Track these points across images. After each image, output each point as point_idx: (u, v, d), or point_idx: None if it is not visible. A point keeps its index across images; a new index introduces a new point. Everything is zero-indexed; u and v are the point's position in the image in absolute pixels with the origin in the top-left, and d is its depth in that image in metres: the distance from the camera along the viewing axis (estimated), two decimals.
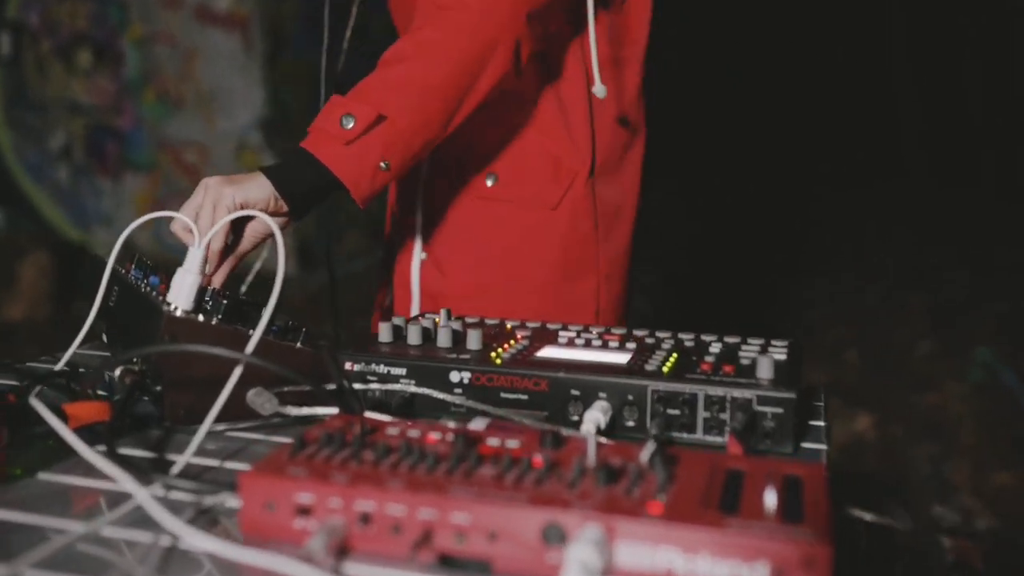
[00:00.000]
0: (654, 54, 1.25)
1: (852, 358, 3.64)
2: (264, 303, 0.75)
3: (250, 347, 0.68)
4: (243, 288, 1.18)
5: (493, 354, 0.77)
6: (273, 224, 0.85)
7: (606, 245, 1.25)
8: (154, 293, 0.83)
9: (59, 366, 0.85)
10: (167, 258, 4.68)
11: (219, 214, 0.92)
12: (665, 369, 0.73)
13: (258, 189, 0.95)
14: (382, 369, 0.77)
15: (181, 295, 0.77)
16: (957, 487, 2.60)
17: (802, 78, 8.75)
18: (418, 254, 1.30)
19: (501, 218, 1.22)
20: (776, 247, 5.52)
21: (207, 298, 0.80)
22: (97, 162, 4.71)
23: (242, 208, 0.93)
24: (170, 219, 0.94)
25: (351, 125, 0.99)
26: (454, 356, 0.77)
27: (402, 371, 0.76)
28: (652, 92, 1.31)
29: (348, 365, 0.79)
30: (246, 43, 4.55)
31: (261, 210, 0.94)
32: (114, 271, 0.93)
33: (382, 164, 0.99)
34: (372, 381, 0.77)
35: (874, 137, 8.53)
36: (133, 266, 0.96)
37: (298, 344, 0.79)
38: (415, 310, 1.29)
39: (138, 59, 4.65)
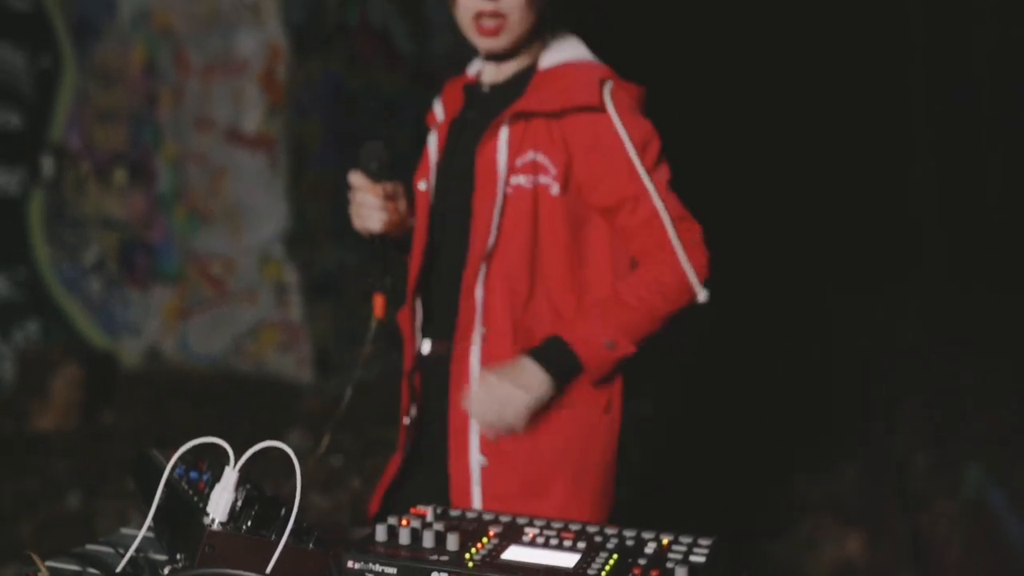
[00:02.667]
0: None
1: (851, 472, 3.75)
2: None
3: (270, 567, 0.85)
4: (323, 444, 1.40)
5: (468, 555, 0.94)
6: (295, 461, 1.01)
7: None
8: (195, 498, 1.00)
9: (120, 567, 1.01)
10: (193, 366, 4.89)
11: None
12: (603, 575, 0.90)
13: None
14: (378, 568, 0.94)
15: (218, 509, 0.95)
16: None
17: (812, 170, 8.92)
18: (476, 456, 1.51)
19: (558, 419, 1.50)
20: (778, 351, 5.65)
21: (239, 506, 0.97)
22: (128, 274, 4.95)
23: None
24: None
25: (611, 348, 1.43)
26: (435, 557, 0.94)
27: (394, 571, 0.93)
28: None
29: (350, 563, 0.95)
30: (272, 161, 4.83)
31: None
32: (160, 464, 1.11)
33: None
34: None
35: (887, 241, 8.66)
36: (177, 457, 1.13)
37: (310, 546, 0.96)
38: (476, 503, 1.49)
39: (170, 177, 4.93)
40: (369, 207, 1.50)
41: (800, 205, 8.99)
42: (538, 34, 1.52)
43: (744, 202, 8.81)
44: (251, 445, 1.14)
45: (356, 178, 1.51)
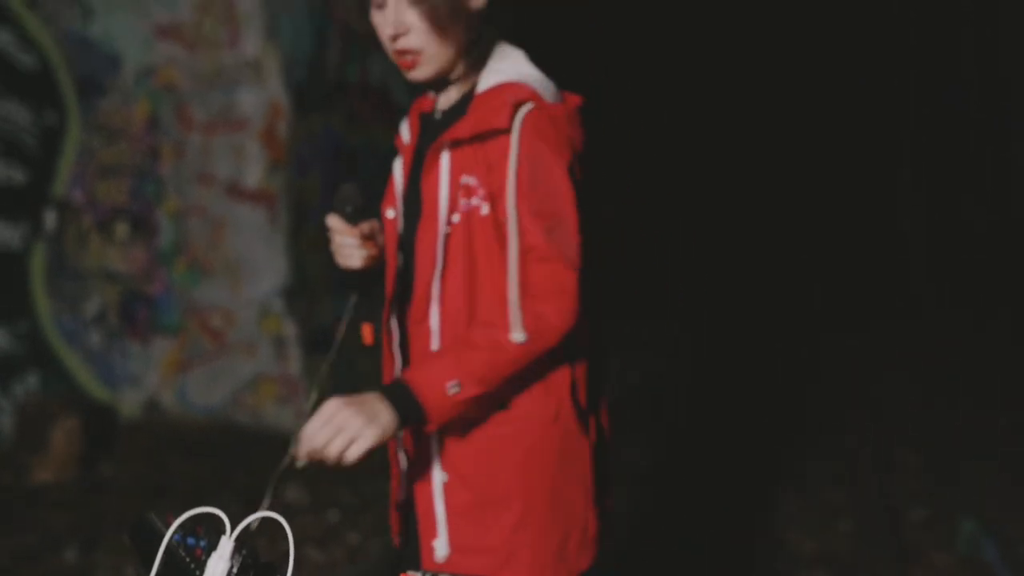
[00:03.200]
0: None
1: (844, 525, 3.76)
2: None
3: None
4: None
5: None
6: (288, 530, 1.06)
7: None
8: (192, 565, 1.04)
9: None
10: (192, 418, 4.91)
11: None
12: None
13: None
14: None
15: None
16: None
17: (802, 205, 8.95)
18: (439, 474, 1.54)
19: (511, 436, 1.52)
20: (772, 397, 5.67)
21: (235, 574, 1.00)
22: (128, 326, 4.99)
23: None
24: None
25: (455, 391, 1.41)
26: None
27: None
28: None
29: None
30: (272, 216, 4.89)
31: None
32: (159, 530, 1.14)
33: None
34: None
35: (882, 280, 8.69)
36: (175, 521, 1.16)
37: None
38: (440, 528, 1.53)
39: (172, 230, 5.00)
40: (349, 247, 1.59)
41: (782, 222, 9.01)
42: (474, 55, 1.53)
43: (726, 220, 8.84)
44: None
45: (334, 221, 1.60)
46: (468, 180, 1.47)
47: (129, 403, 4.94)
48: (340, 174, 5.32)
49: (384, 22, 1.51)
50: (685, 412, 5.40)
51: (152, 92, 4.92)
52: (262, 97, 4.86)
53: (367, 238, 1.60)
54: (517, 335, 1.42)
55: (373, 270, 1.62)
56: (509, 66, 1.53)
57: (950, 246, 8.64)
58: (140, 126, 4.95)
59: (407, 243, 1.60)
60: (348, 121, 5.41)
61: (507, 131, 1.45)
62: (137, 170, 4.96)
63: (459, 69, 1.54)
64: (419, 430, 1.52)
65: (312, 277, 5.06)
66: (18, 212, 4.66)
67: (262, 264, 4.90)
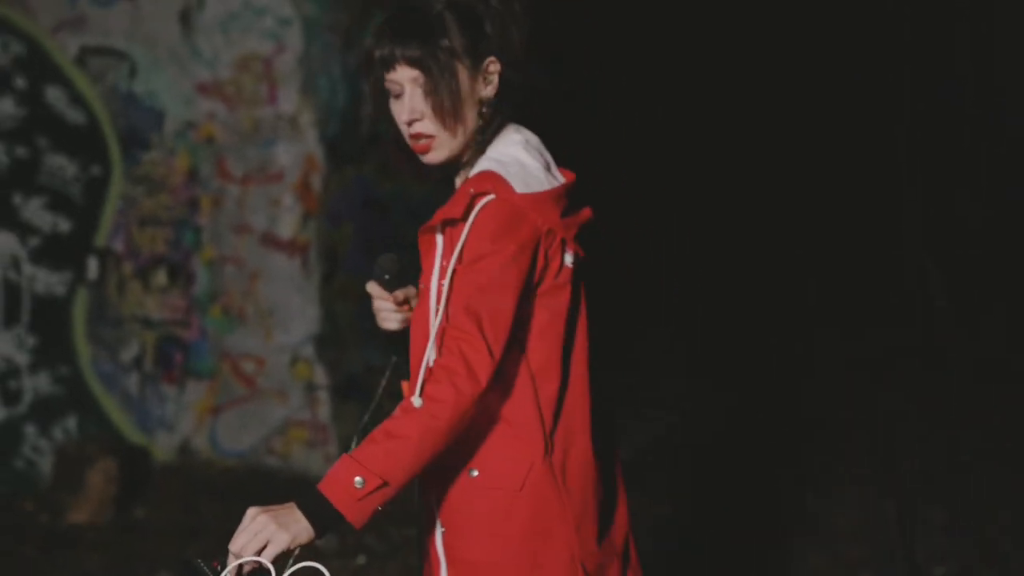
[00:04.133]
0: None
1: None
2: None
3: None
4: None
5: None
6: None
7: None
8: None
9: None
10: (223, 462, 5.03)
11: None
12: None
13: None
14: None
15: None
16: None
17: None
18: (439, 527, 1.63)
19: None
20: (787, 443, 5.65)
21: None
22: (164, 371, 5.14)
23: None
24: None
25: (361, 486, 1.43)
26: None
27: None
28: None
29: None
30: (304, 265, 5.05)
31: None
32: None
33: (379, 508, 1.46)
34: None
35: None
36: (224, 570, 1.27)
37: None
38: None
39: (208, 278, 5.16)
40: (386, 311, 1.72)
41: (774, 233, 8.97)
42: (483, 140, 1.64)
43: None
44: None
45: (372, 288, 1.72)
46: (444, 263, 1.58)
47: (163, 446, 5.07)
48: (371, 223, 5.47)
49: (401, 109, 1.63)
50: (695, 460, 5.43)
51: (192, 146, 5.12)
52: (298, 151, 5.04)
53: (402, 303, 1.73)
54: (415, 399, 1.48)
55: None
56: (499, 152, 1.62)
57: (946, 242, 8.62)
58: (180, 178, 5.14)
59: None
60: (380, 172, 5.58)
61: (462, 220, 1.54)
62: (176, 220, 5.15)
63: (468, 153, 1.66)
64: (420, 482, 1.61)
65: (343, 325, 5.19)
66: (63, 260, 4.85)
67: (294, 312, 5.04)
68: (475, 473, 1.57)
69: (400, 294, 1.72)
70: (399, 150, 1.70)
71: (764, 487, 4.99)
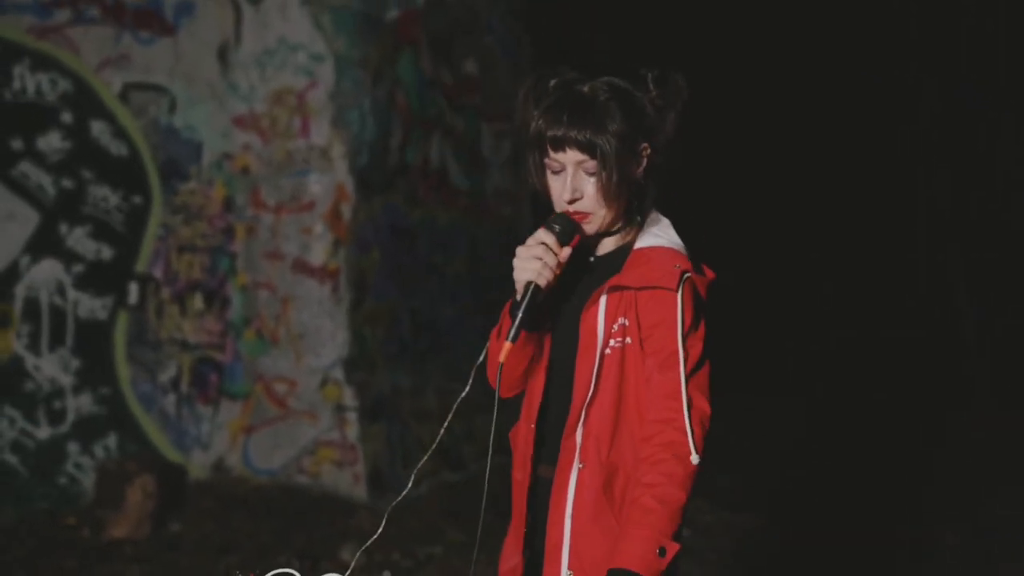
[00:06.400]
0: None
1: None
2: None
3: None
4: None
5: None
6: None
7: None
8: None
9: None
10: (255, 480, 5.22)
11: None
12: None
13: None
14: None
15: None
16: None
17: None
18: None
19: None
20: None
21: None
22: (199, 392, 5.36)
23: None
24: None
25: (664, 554, 1.67)
26: None
27: None
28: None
29: None
30: (335, 291, 5.25)
31: None
32: None
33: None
34: None
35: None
36: None
37: None
38: None
39: (242, 303, 5.37)
40: (545, 262, 1.73)
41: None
42: (631, 217, 1.84)
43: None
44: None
45: (547, 236, 1.75)
46: (623, 321, 1.75)
47: (198, 464, 5.27)
48: (399, 251, 5.67)
49: (562, 187, 1.79)
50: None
51: (228, 176, 5.35)
52: (328, 181, 5.25)
53: (561, 264, 1.76)
54: (695, 457, 1.70)
55: (542, 300, 1.79)
56: (663, 232, 1.83)
57: (963, 246, 8.64)
58: (216, 207, 5.37)
59: (559, 364, 1.86)
60: (408, 201, 5.78)
61: (672, 290, 1.73)
62: (212, 247, 5.37)
63: (622, 226, 1.85)
64: (557, 534, 1.78)
65: (371, 349, 5.38)
66: (105, 285, 5.08)
67: (325, 336, 5.24)
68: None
69: (566, 252, 1.76)
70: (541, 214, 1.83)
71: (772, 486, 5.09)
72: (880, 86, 9.01)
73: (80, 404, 4.94)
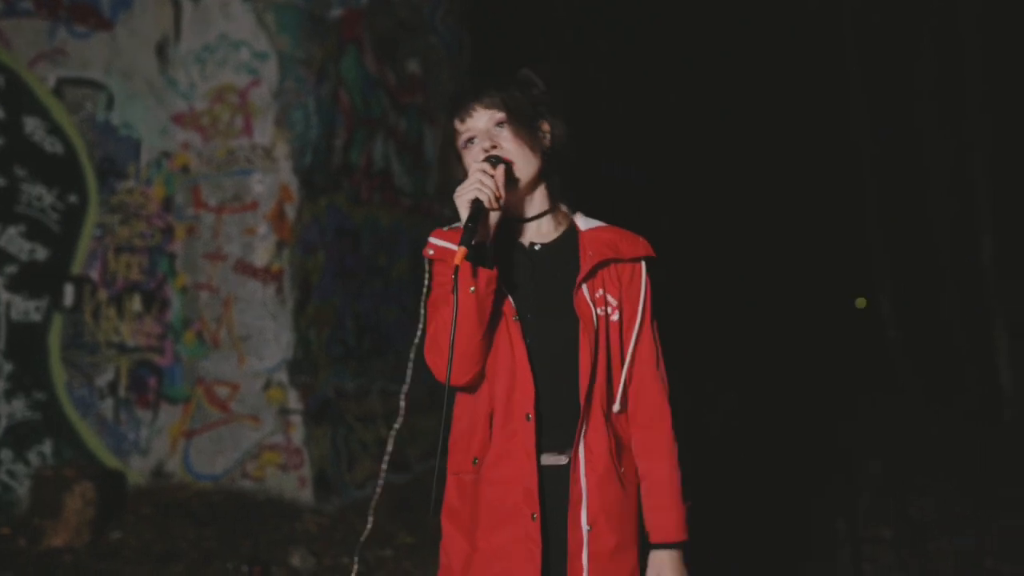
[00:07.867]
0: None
1: None
2: None
3: None
4: None
5: None
6: None
7: None
8: None
9: None
10: (197, 485, 5.12)
11: None
12: None
13: None
14: None
15: None
16: None
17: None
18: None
19: None
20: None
21: None
22: (138, 396, 5.23)
23: None
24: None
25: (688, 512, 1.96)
26: None
27: None
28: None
29: None
30: (278, 292, 5.17)
31: None
32: None
33: None
34: None
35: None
36: None
37: None
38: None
39: (181, 305, 5.26)
40: (483, 183, 1.84)
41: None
42: (554, 196, 2.00)
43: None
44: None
45: (481, 164, 1.87)
46: (604, 295, 1.93)
47: (137, 470, 5.14)
48: (343, 252, 5.61)
49: (479, 150, 1.90)
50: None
51: (168, 175, 5.23)
52: (272, 181, 5.17)
53: (498, 188, 1.87)
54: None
55: (487, 213, 1.86)
56: (593, 219, 2.01)
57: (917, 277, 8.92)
58: (155, 206, 5.25)
59: (546, 351, 1.91)
60: (352, 201, 5.72)
61: (639, 260, 1.96)
62: (151, 248, 5.25)
63: (543, 195, 1.98)
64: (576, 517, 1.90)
65: (315, 351, 5.32)
66: (39, 287, 4.93)
67: (268, 338, 5.16)
68: (627, 474, 1.96)
69: (501, 169, 1.87)
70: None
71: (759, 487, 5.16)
72: (812, 96, 9.26)
73: (13, 409, 4.78)
